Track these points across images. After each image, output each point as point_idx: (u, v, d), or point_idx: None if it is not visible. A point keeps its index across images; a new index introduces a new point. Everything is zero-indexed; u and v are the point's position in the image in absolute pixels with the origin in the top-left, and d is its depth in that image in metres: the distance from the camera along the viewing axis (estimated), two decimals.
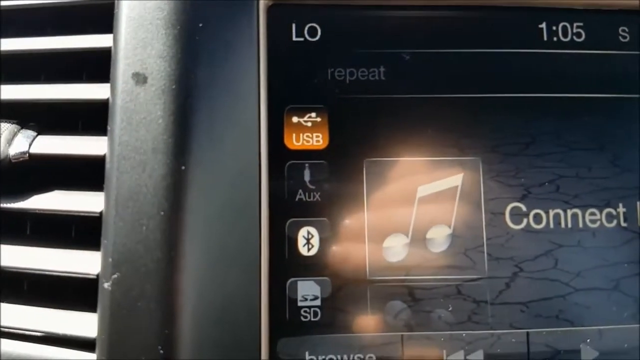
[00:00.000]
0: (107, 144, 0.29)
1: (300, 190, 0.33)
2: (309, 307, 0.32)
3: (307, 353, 0.31)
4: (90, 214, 0.29)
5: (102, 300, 0.27)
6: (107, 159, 0.29)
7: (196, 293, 0.27)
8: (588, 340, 0.32)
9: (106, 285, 0.27)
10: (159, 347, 0.26)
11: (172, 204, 0.27)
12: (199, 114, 0.28)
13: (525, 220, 0.33)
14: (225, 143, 0.29)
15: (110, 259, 0.27)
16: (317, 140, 0.33)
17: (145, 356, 0.26)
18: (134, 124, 0.28)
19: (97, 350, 0.27)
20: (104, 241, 0.28)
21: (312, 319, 0.32)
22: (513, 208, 0.33)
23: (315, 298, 0.32)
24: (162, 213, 0.27)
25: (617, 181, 0.34)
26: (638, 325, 0.33)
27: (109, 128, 0.29)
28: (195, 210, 0.28)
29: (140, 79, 0.28)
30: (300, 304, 0.32)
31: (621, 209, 0.34)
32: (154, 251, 0.27)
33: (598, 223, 0.33)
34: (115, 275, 0.27)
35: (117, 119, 0.28)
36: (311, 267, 0.32)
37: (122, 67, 0.29)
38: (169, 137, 0.28)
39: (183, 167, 0.28)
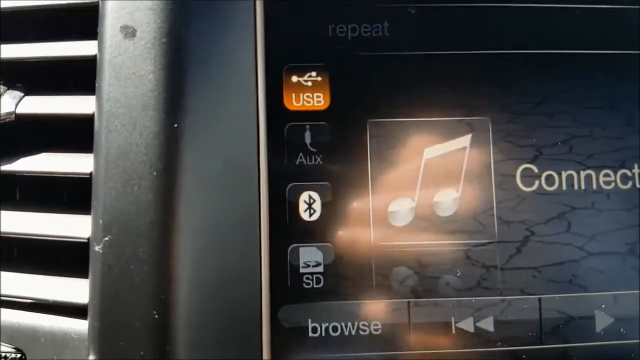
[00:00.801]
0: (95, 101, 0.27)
1: (300, 153, 0.31)
2: (312, 273, 0.31)
3: (309, 320, 0.30)
4: (80, 175, 0.27)
5: (94, 264, 0.26)
6: (96, 117, 0.27)
7: (192, 257, 0.26)
8: (603, 306, 0.31)
9: (97, 248, 0.25)
10: (154, 313, 0.25)
11: (164, 163, 0.26)
12: (191, 69, 0.27)
13: (536, 182, 0.32)
14: (220, 102, 0.28)
15: (100, 221, 0.26)
16: (318, 101, 0.31)
17: (140, 322, 0.25)
18: (123, 79, 0.26)
19: (88, 316, 0.26)
20: (94, 203, 0.26)
21: (315, 286, 0.30)
22: (524, 170, 0.32)
23: (318, 264, 0.31)
24: (155, 173, 0.26)
25: (633, 141, 0.32)
26: None
27: (97, 85, 0.27)
28: (190, 170, 0.26)
29: (129, 32, 0.26)
30: (302, 270, 0.31)
31: (637, 170, 0.32)
32: (146, 212, 0.25)
33: (612, 184, 0.32)
34: (106, 238, 0.25)
35: (106, 75, 0.27)
36: (313, 232, 0.31)
37: (110, 20, 0.27)
38: (160, 93, 0.26)
39: (175, 125, 0.26)
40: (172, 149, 0.26)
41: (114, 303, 0.25)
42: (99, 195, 0.26)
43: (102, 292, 0.25)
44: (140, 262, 0.25)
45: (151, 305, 0.25)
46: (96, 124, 0.27)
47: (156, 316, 0.25)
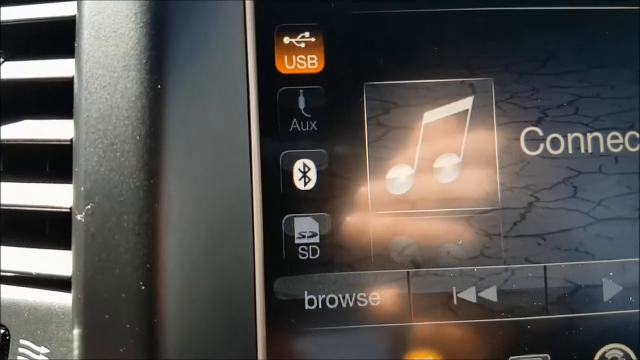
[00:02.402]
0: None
1: (294, 119, 0.30)
2: (307, 244, 0.29)
3: (306, 292, 0.29)
4: (60, 142, 0.26)
5: (76, 233, 0.25)
6: (75, 80, 0.26)
7: (180, 226, 0.25)
8: (610, 274, 0.30)
9: (79, 217, 0.24)
10: (140, 283, 0.24)
11: (148, 126, 0.24)
12: (174, 26, 0.25)
13: (541, 146, 0.30)
14: (207, 64, 0.26)
15: (82, 189, 0.24)
16: (311, 63, 0.30)
17: (126, 293, 0.24)
18: (103, 38, 0.25)
19: (72, 288, 0.25)
20: (75, 169, 0.25)
21: (311, 257, 0.29)
22: (528, 132, 0.30)
23: (314, 235, 0.30)
24: (138, 137, 0.24)
25: None
26: None
27: (76, 45, 0.26)
28: (175, 134, 0.25)
29: None
30: (297, 241, 0.29)
31: None
32: (130, 179, 0.24)
33: (621, 147, 0.31)
34: (88, 207, 0.24)
35: (85, 34, 0.25)
36: (308, 202, 0.30)
37: None
38: (142, 52, 0.25)
39: (159, 86, 0.25)
40: (156, 112, 0.25)
41: (98, 274, 0.24)
42: (80, 161, 0.25)
43: (86, 263, 0.24)
44: (125, 231, 0.24)
45: (137, 276, 0.24)
46: (76, 86, 0.26)
47: (142, 287, 0.24)
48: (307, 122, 0.30)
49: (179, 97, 0.26)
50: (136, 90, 0.25)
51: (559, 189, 0.30)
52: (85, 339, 0.25)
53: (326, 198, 0.30)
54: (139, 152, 0.25)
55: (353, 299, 0.29)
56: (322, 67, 0.30)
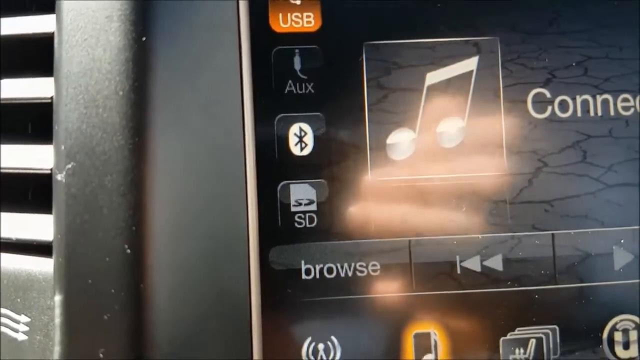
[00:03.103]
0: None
1: (289, 81, 0.28)
2: (304, 212, 0.28)
3: (302, 262, 0.28)
4: (40, 100, 0.25)
5: (57, 195, 0.23)
6: (56, 34, 0.24)
7: (168, 188, 0.23)
8: (622, 242, 0.29)
9: (59, 177, 0.23)
10: (126, 247, 0.22)
11: (132, 81, 0.23)
12: None
13: (549, 109, 0.29)
14: (195, 15, 0.25)
15: (62, 147, 0.23)
16: (308, 22, 0.29)
17: (110, 257, 0.22)
18: None
19: (53, 253, 0.23)
20: (55, 128, 0.24)
21: (308, 226, 0.28)
22: (536, 95, 0.29)
23: (311, 202, 0.28)
24: (121, 93, 0.23)
25: None
26: None
27: None
28: (161, 90, 0.23)
29: None
30: (293, 209, 0.28)
31: None
32: (113, 136, 0.23)
33: (632, 110, 0.29)
34: (69, 166, 0.23)
35: None
36: (305, 168, 0.28)
37: None
38: (126, 2, 0.23)
39: (144, 38, 0.23)
40: (141, 65, 0.23)
41: (80, 237, 0.23)
42: (61, 119, 0.23)
43: (67, 226, 0.23)
44: (108, 192, 0.22)
45: (122, 239, 0.22)
46: (56, 40, 0.24)
47: (128, 251, 0.22)
48: (303, 84, 0.29)
49: (166, 50, 0.24)
50: (119, 43, 0.24)
51: (568, 153, 0.29)
52: (67, 305, 0.24)
53: (323, 164, 0.28)
54: (123, 108, 0.23)
55: (352, 269, 0.28)
56: (318, 25, 0.29)
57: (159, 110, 0.24)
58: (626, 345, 0.29)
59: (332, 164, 0.28)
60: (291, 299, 0.28)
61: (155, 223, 0.23)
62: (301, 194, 0.29)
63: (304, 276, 0.28)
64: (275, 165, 0.28)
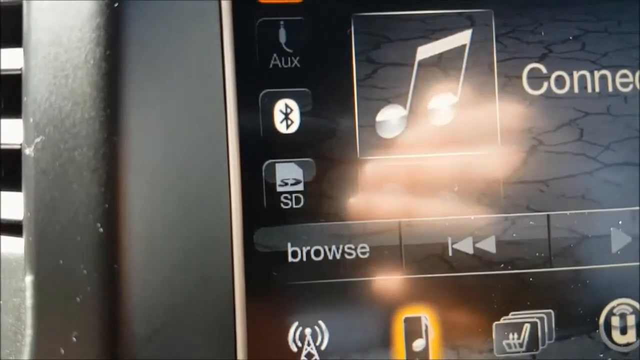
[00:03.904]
0: None
1: (274, 55, 0.27)
2: (290, 192, 0.27)
3: (289, 244, 0.27)
4: (9, 72, 0.23)
5: (26, 170, 0.22)
6: (24, 1, 0.23)
7: (144, 163, 0.22)
8: (619, 223, 0.28)
9: (28, 151, 0.21)
10: (98, 225, 0.21)
11: (104, 49, 0.21)
12: None
13: (545, 84, 0.28)
14: None
15: (31, 120, 0.22)
16: None
17: (82, 236, 0.21)
18: None
19: (23, 231, 0.22)
20: (24, 99, 0.22)
21: (294, 206, 0.27)
22: (531, 70, 0.28)
23: (297, 182, 0.27)
24: (92, 61, 0.21)
25: None
26: None
27: None
28: (135, 60, 0.22)
29: None
30: (279, 189, 0.27)
31: None
32: (83, 108, 0.21)
33: (631, 87, 0.28)
34: (38, 139, 0.21)
35: None
36: (291, 146, 0.27)
37: None
38: None
39: (116, 4, 0.22)
40: (112, 33, 0.22)
41: (50, 214, 0.21)
42: (29, 90, 0.22)
43: (37, 202, 0.22)
44: (79, 166, 0.21)
45: (94, 217, 0.21)
46: (24, 7, 0.23)
47: (100, 229, 0.21)
48: (289, 58, 0.27)
49: (140, 18, 0.23)
50: (90, 9, 0.22)
51: (564, 131, 0.28)
52: (38, 286, 0.22)
53: (310, 142, 0.27)
54: (93, 77, 0.22)
55: (340, 251, 0.27)
56: None
57: (133, 81, 0.22)
58: (623, 330, 0.28)
59: (319, 142, 0.27)
60: (277, 282, 0.26)
61: (129, 200, 0.22)
62: (287, 174, 0.27)
63: (290, 259, 0.27)
64: (260, 143, 0.27)
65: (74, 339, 0.22)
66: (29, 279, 0.23)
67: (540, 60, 0.28)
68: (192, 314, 0.24)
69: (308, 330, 0.27)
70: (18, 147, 0.23)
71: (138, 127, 0.23)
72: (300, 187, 0.27)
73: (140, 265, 0.22)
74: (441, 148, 0.28)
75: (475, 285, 0.28)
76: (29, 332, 0.23)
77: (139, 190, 0.22)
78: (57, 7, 0.22)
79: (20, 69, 0.24)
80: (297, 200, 0.27)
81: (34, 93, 0.22)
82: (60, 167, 0.21)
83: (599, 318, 0.28)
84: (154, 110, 0.23)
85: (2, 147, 0.24)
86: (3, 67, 0.24)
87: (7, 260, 0.24)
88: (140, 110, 0.23)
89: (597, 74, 0.29)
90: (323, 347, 0.27)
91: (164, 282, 0.23)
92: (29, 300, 0.23)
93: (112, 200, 0.22)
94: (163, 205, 0.23)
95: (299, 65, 0.27)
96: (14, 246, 0.24)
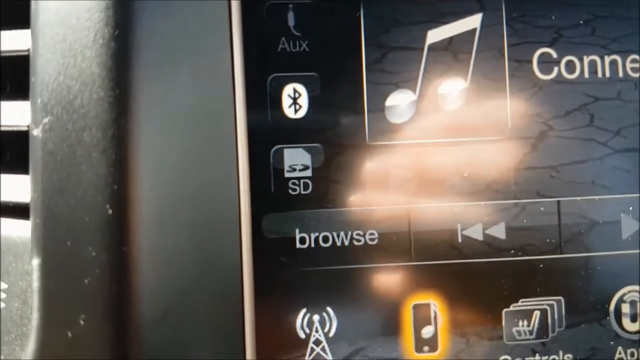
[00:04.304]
0: None
1: (283, 39, 0.27)
2: (298, 178, 0.27)
3: (297, 230, 0.27)
4: (18, 52, 0.23)
5: (34, 151, 0.22)
6: None
7: (153, 145, 0.22)
8: (630, 209, 0.28)
9: (35, 132, 0.21)
10: (107, 207, 0.21)
11: (112, 29, 0.21)
12: None
13: (555, 69, 0.28)
14: None
15: (39, 100, 0.21)
16: None
17: (90, 218, 0.21)
18: None
19: (30, 214, 0.22)
20: (32, 80, 0.22)
21: (302, 192, 0.27)
22: (542, 55, 0.28)
23: (305, 168, 0.27)
24: (101, 41, 0.21)
25: None
26: None
27: None
28: (144, 40, 0.22)
29: None
30: (287, 175, 0.27)
31: None
32: (92, 88, 0.21)
33: None
34: (45, 120, 0.21)
35: None
36: (299, 131, 0.27)
37: None
38: None
39: None
40: (122, 12, 0.21)
41: (58, 196, 0.21)
42: (37, 70, 0.22)
43: (44, 184, 0.21)
44: (87, 147, 0.21)
45: (103, 198, 0.21)
46: None
47: (109, 211, 0.21)
48: (298, 42, 0.27)
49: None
50: None
51: (574, 116, 0.28)
52: (45, 269, 0.22)
53: (319, 127, 0.27)
54: (102, 57, 0.21)
55: (348, 238, 0.27)
56: None
57: (142, 62, 0.22)
58: (634, 318, 0.28)
59: (327, 128, 0.27)
60: (285, 268, 0.26)
61: (139, 182, 0.22)
62: (295, 159, 0.27)
63: (298, 245, 0.27)
64: (268, 128, 0.27)
65: (82, 321, 0.22)
66: (35, 261, 0.23)
67: (550, 44, 0.28)
68: (200, 298, 0.23)
69: (316, 317, 0.27)
70: (24, 129, 0.23)
71: (147, 109, 0.22)
72: (308, 172, 0.27)
73: (149, 249, 0.22)
74: (451, 133, 0.28)
75: (485, 272, 0.27)
76: (35, 316, 0.23)
77: (148, 172, 0.22)
78: None
79: (28, 50, 0.23)
80: (305, 186, 0.27)
81: (42, 74, 0.22)
82: (68, 148, 0.21)
83: (609, 305, 0.28)
84: (163, 92, 0.23)
85: (7, 129, 0.23)
86: (10, 47, 0.24)
87: (13, 243, 0.24)
88: (149, 92, 0.22)
89: (607, 59, 0.28)
90: (331, 334, 0.27)
91: (173, 265, 0.23)
92: (35, 283, 0.22)
93: (121, 182, 0.21)
94: (172, 189, 0.23)
95: (307, 49, 0.27)
96: (21, 229, 0.24)
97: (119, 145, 0.21)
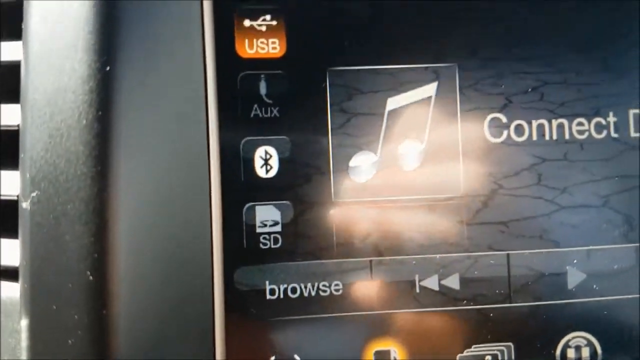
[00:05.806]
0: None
1: (255, 106, 0.29)
2: (269, 233, 0.29)
3: (267, 282, 0.29)
4: (8, 127, 0.25)
5: (22, 222, 0.24)
6: (22, 62, 0.25)
7: (131, 215, 0.24)
8: (575, 262, 0.30)
9: (24, 205, 0.23)
10: (88, 273, 0.23)
11: (95, 110, 0.23)
12: (126, 5, 0.24)
13: (505, 133, 0.30)
14: (161, 45, 0.25)
15: (27, 175, 0.24)
16: (273, 48, 0.29)
17: (73, 283, 0.23)
18: (50, 19, 0.24)
19: (20, 277, 0.24)
20: (21, 156, 0.24)
21: (273, 246, 0.29)
22: (492, 119, 0.30)
23: (276, 224, 0.29)
24: (85, 122, 0.23)
25: (608, 87, 0.30)
26: (630, 245, 0.30)
27: (23, 27, 0.24)
28: (125, 120, 0.24)
29: None
30: (258, 230, 0.29)
31: (611, 118, 0.30)
32: (76, 165, 0.23)
33: (586, 134, 0.30)
34: (34, 194, 0.23)
35: (32, 14, 0.24)
36: (270, 190, 0.29)
37: None
38: (90, 32, 0.24)
39: (108, 68, 0.24)
40: (104, 95, 0.24)
41: (44, 263, 0.23)
42: (26, 147, 0.24)
43: (32, 252, 0.24)
44: (71, 220, 0.23)
45: (84, 266, 0.23)
46: (23, 69, 0.25)
47: (90, 277, 0.23)
48: (269, 109, 0.29)
49: (130, 80, 0.25)
50: (83, 72, 0.24)
51: (523, 176, 0.30)
52: (33, 330, 0.24)
53: (288, 186, 0.29)
54: (86, 137, 0.24)
55: (315, 288, 0.29)
56: (283, 51, 0.29)
57: (123, 140, 0.24)
58: None
59: (296, 186, 0.29)
60: (255, 318, 0.28)
61: (117, 250, 0.24)
62: (266, 215, 0.29)
63: (268, 296, 0.29)
64: (241, 187, 0.29)
65: None
66: (24, 322, 0.25)
67: (501, 110, 0.30)
68: (175, 352, 0.25)
69: None
70: (14, 198, 0.25)
71: (126, 182, 0.24)
72: (278, 228, 0.29)
73: (127, 311, 0.24)
74: (409, 191, 0.30)
75: (441, 320, 0.29)
76: None
77: (126, 239, 0.24)
78: (53, 69, 0.24)
79: (18, 126, 0.26)
80: (275, 241, 0.29)
81: (31, 150, 0.24)
82: (54, 221, 0.23)
83: (555, 350, 0.30)
84: (142, 164, 0.25)
85: (2, 197, 0.26)
86: (3, 123, 0.26)
87: (4, 302, 0.26)
88: (128, 166, 0.25)
89: (554, 123, 0.30)
90: None
91: (150, 323, 0.25)
92: (24, 342, 0.24)
93: (102, 251, 0.23)
94: (149, 253, 0.25)
95: (278, 115, 0.29)
96: (12, 290, 0.26)
97: (100, 217, 0.24)
